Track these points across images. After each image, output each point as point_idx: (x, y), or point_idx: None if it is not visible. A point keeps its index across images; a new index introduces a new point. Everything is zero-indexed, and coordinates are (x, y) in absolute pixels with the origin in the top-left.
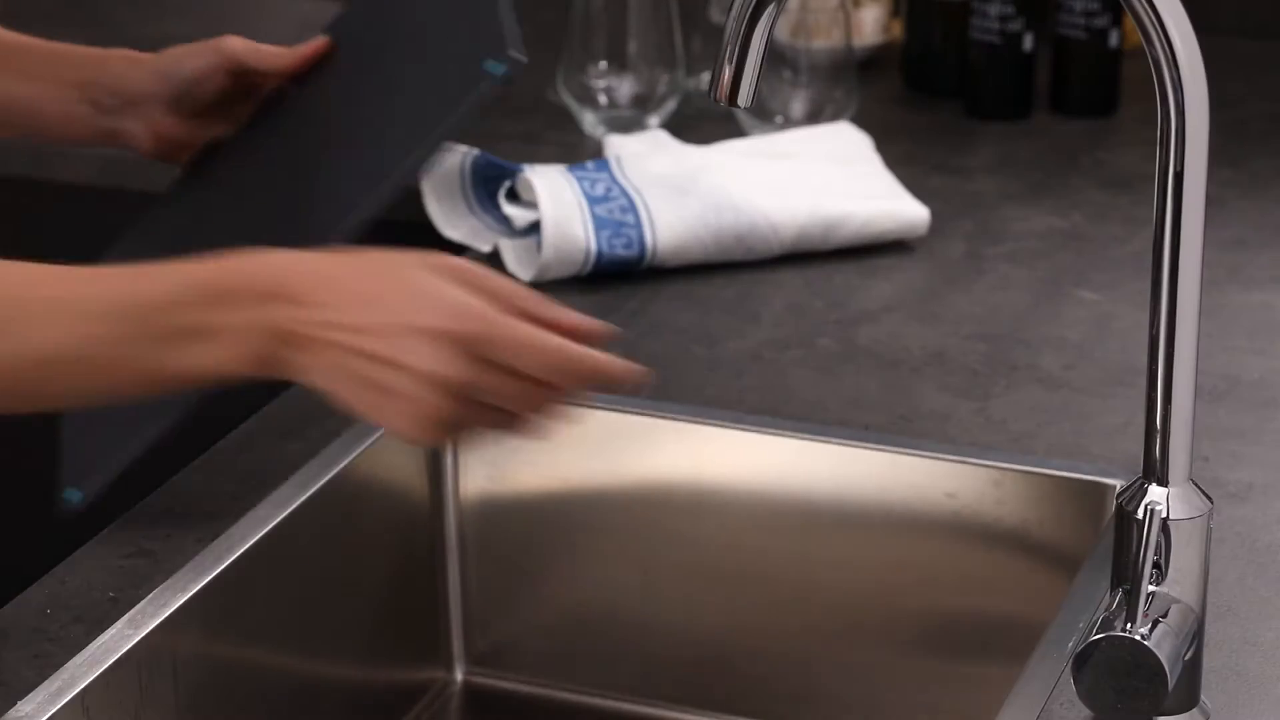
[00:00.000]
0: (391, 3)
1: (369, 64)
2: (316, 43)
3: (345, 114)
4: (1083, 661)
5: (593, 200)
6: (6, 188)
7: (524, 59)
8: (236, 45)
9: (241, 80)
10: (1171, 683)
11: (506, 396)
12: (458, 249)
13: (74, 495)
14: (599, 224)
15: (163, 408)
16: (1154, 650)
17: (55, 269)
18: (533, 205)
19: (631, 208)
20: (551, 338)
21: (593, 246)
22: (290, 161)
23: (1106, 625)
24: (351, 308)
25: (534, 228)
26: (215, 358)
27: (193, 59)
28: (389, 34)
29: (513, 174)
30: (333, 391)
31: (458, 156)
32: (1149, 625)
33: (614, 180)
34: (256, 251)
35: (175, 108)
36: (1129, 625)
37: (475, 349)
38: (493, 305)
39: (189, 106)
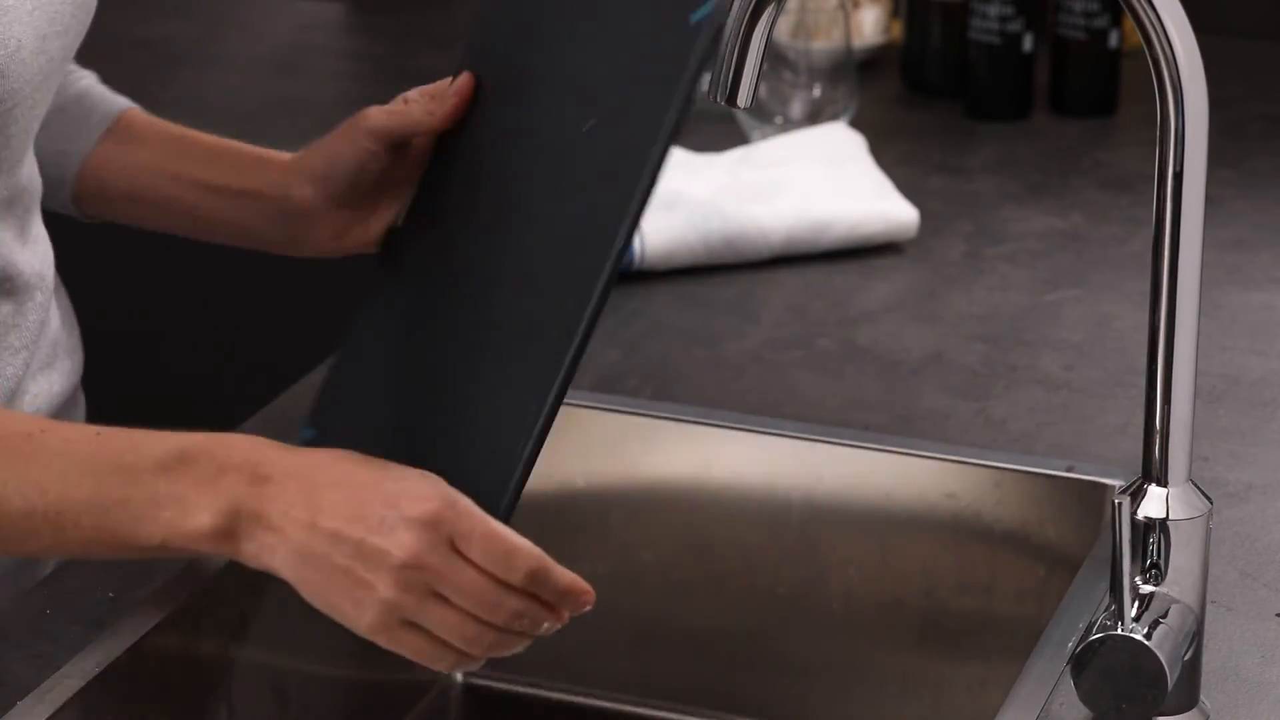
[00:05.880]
0: (531, 8)
1: (544, 73)
2: (461, 83)
3: (548, 133)
4: (1082, 663)
5: None
6: None
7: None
8: (378, 120)
9: (397, 153)
10: (1171, 684)
11: (469, 593)
12: None
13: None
14: None
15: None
16: (1155, 651)
17: (68, 426)
18: None
19: None
20: (520, 539)
21: None
22: (527, 202)
23: (1105, 626)
24: (329, 493)
25: None
26: (178, 527)
27: (345, 154)
28: (545, 39)
29: None
30: (298, 579)
31: None
32: (1148, 626)
33: None
34: (242, 437)
35: (344, 204)
36: (1129, 624)
37: (450, 536)
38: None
39: (355, 200)
